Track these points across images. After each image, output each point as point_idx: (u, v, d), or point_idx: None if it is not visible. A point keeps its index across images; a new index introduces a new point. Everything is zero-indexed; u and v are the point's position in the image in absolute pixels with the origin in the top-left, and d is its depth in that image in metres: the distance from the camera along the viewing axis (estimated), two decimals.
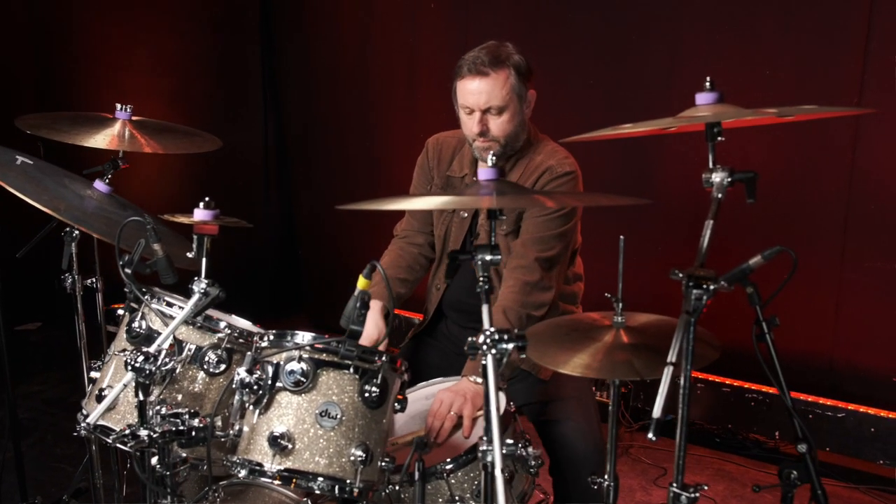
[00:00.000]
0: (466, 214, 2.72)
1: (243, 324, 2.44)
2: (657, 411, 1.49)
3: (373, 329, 2.56)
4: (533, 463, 2.26)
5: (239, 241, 6.26)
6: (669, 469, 3.99)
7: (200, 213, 1.95)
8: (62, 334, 5.23)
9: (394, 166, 5.40)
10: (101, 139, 2.63)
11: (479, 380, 2.41)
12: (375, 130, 5.64)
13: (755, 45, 4.05)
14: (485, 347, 1.56)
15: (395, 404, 2.06)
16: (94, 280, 2.79)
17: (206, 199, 1.97)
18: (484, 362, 1.57)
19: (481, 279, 1.66)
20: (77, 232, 2.52)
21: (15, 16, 5.63)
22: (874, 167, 3.84)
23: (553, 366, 1.92)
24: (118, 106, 2.78)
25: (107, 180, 2.51)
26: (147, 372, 1.81)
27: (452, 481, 2.15)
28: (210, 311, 2.41)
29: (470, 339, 1.60)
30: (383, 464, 1.99)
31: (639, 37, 4.40)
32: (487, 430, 1.56)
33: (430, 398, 2.43)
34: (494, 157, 1.76)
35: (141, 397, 1.84)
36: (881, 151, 3.80)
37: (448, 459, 2.15)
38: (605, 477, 2.17)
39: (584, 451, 2.51)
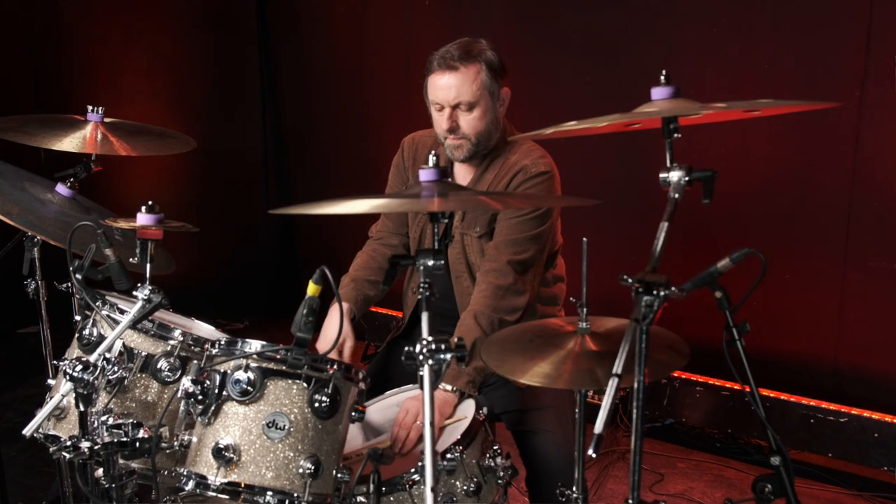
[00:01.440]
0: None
1: (206, 330, 2.37)
2: (599, 426, 1.40)
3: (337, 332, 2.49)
4: (502, 473, 2.19)
5: (239, 242, 6.29)
6: (667, 475, 3.89)
7: (143, 218, 1.89)
8: (61, 337, 5.22)
9: (389, 165, 5.32)
10: (72, 142, 2.58)
11: (449, 387, 2.34)
12: (371, 130, 5.59)
13: (752, 38, 3.94)
14: (421, 358, 1.49)
15: (353, 414, 2.00)
16: (68, 285, 2.74)
17: (150, 202, 1.91)
18: (420, 373, 1.49)
19: (423, 286, 1.58)
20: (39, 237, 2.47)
21: (11, 17, 5.62)
22: (878, 163, 3.72)
23: (511, 375, 1.84)
24: (89, 108, 2.73)
25: (69, 183, 2.46)
26: (85, 382, 1.74)
27: (416, 493, 2.08)
28: (171, 317, 2.36)
29: (406, 348, 1.52)
30: (340, 475, 1.92)
31: (633, 33, 4.30)
32: (426, 443, 1.48)
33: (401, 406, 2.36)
34: (436, 157, 1.67)
35: (81, 408, 1.77)
36: (885, 147, 3.68)
37: (413, 470, 2.07)
38: (574, 489, 2.08)
39: (560, 464, 2.43)
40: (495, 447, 2.22)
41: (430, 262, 1.58)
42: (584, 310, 1.95)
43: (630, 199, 4.09)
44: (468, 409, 2.32)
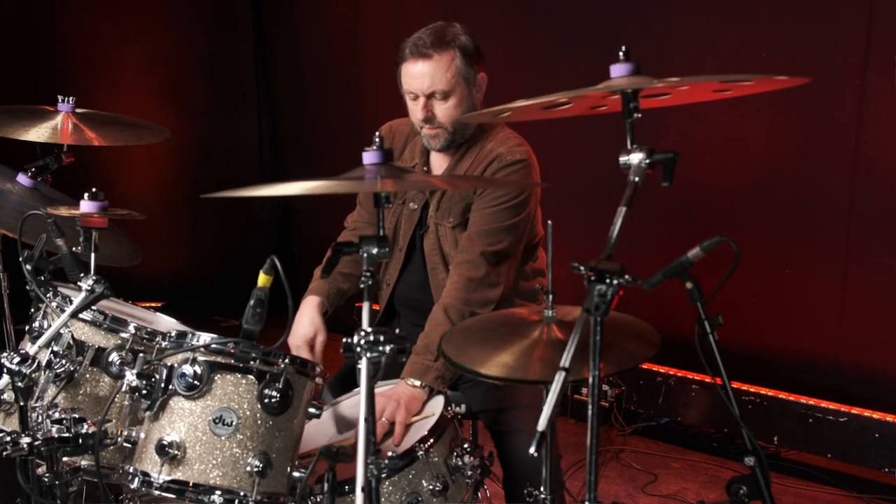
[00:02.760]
0: (416, 206, 2.56)
1: (166, 324, 2.30)
2: (542, 423, 1.31)
3: (308, 327, 2.42)
4: (470, 472, 2.11)
5: (236, 237, 6.24)
6: (661, 475, 3.78)
7: (86, 205, 1.82)
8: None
9: None
10: (41, 132, 2.51)
11: (418, 382, 2.26)
12: (366, 125, 5.50)
13: (750, 25, 3.83)
14: (359, 350, 1.40)
15: (312, 409, 1.92)
16: (45, 277, 2.68)
17: (93, 189, 1.84)
18: (359, 367, 1.41)
19: (365, 275, 1.49)
20: None
21: (8, 14, 5.60)
22: (880, 154, 3.59)
23: (471, 366, 1.75)
24: (59, 98, 2.66)
25: (30, 173, 2.39)
26: (23, 375, 1.68)
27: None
28: (131, 310, 2.29)
29: (344, 339, 1.44)
30: (297, 474, 1.85)
31: (630, 20, 4.20)
32: (360, 441, 1.40)
33: None
34: (380, 139, 1.59)
35: (21, 402, 1.71)
36: (887, 137, 3.56)
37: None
38: (542, 489, 1.99)
39: (537, 466, 2.34)
40: (465, 445, 2.14)
41: (375, 251, 1.50)
42: (550, 297, 1.86)
43: (617, 187, 3.98)
44: (437, 405, 2.23)
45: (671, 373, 4.11)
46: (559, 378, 1.35)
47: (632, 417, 4.24)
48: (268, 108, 6.36)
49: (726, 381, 1.79)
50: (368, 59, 5.51)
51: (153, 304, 5.49)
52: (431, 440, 2.06)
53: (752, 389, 3.85)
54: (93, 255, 1.85)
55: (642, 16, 4.18)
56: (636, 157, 1.52)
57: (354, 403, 2.44)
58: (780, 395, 3.78)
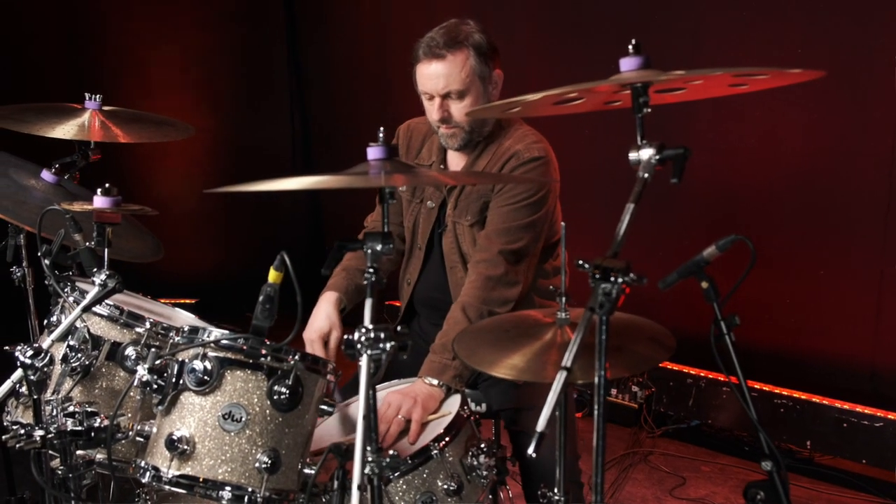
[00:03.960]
0: (433, 204, 2.55)
1: (185, 318, 2.32)
2: (541, 424, 1.28)
3: (323, 321, 2.42)
4: (486, 473, 2.08)
5: (267, 234, 6.28)
6: (689, 478, 3.72)
7: (99, 200, 1.83)
8: None
9: None
10: (69, 129, 2.55)
11: (435, 381, 2.24)
12: (395, 123, 5.51)
13: (785, 21, 3.74)
14: (359, 346, 1.39)
15: (324, 406, 1.92)
16: (71, 273, 2.72)
17: (107, 184, 1.85)
18: (361, 364, 1.40)
19: (368, 271, 1.48)
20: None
21: (48, 12, 5.71)
22: None
23: (480, 367, 1.74)
24: (87, 95, 2.70)
25: (54, 170, 2.42)
26: (36, 368, 1.69)
27: (392, 489, 1.98)
28: (150, 305, 2.32)
29: (346, 336, 1.43)
30: (308, 471, 1.85)
31: (660, 15, 4.14)
32: (357, 440, 1.39)
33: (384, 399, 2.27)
34: (384, 132, 1.57)
35: (34, 395, 1.73)
36: None
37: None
38: (556, 490, 1.96)
39: (554, 469, 2.30)
40: (481, 445, 2.11)
41: (379, 247, 1.49)
42: (563, 299, 1.83)
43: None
44: (453, 404, 2.22)
45: (702, 374, 4.04)
46: (560, 378, 1.32)
47: (661, 419, 4.18)
48: (299, 105, 6.40)
49: (742, 381, 1.73)
50: (398, 57, 5.51)
51: (186, 301, 5.58)
52: (446, 439, 2.04)
53: (784, 392, 3.77)
54: (106, 250, 1.86)
55: (672, 11, 4.12)
56: (646, 153, 1.48)
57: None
58: (814, 399, 3.69)
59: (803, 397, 3.72)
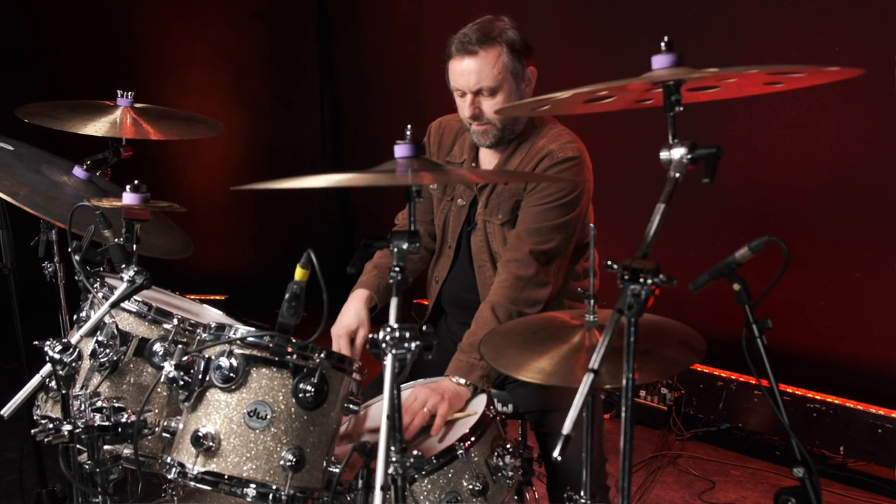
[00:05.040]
0: (464, 203, 2.54)
1: (213, 315, 2.32)
2: (567, 426, 1.26)
3: (352, 318, 2.42)
4: (511, 473, 2.07)
5: (298, 232, 6.31)
6: (719, 482, 3.67)
7: (128, 197, 1.84)
8: None
9: None
10: (101, 126, 2.57)
11: (463, 380, 2.23)
12: (427, 121, 5.51)
13: (822, 19, 3.67)
14: (384, 346, 1.38)
15: (349, 405, 1.91)
16: (101, 269, 2.75)
17: (135, 181, 1.86)
18: (386, 363, 1.39)
19: (394, 270, 1.47)
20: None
21: (82, 11, 5.78)
22: None
23: (506, 370, 1.72)
24: (119, 92, 2.72)
25: (85, 166, 2.44)
26: (64, 363, 1.70)
27: (416, 489, 1.97)
28: (179, 302, 2.32)
29: (371, 336, 1.42)
30: (333, 469, 1.84)
31: (694, 12, 4.08)
32: (381, 439, 1.37)
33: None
34: (412, 130, 1.56)
35: (63, 390, 1.74)
36: None
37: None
38: (582, 493, 1.94)
39: (580, 471, 2.28)
40: (507, 445, 2.10)
41: (405, 245, 1.47)
42: (592, 301, 1.81)
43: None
44: (479, 404, 2.20)
45: (732, 377, 3.99)
46: (587, 380, 1.30)
47: (691, 422, 4.13)
48: (330, 103, 6.42)
49: (774, 384, 1.69)
50: (430, 54, 5.49)
51: (216, 297, 5.62)
52: (472, 439, 2.02)
53: (817, 397, 3.70)
54: (135, 246, 1.87)
55: (707, 7, 4.07)
56: (677, 153, 1.45)
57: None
58: (848, 404, 3.62)
59: (836, 402, 3.65)
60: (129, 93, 2.71)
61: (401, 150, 1.52)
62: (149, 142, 2.67)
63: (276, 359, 1.76)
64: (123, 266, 1.83)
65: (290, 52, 6.22)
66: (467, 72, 2.33)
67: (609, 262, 1.37)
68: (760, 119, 3.97)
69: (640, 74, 1.51)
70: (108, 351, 1.91)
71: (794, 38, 3.79)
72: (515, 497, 2.14)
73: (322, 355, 1.78)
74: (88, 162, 2.47)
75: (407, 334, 1.38)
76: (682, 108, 1.46)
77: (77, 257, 1.97)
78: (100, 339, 1.92)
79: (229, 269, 5.95)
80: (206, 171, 5.95)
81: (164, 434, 1.84)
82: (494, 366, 1.73)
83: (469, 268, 2.55)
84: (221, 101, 5.87)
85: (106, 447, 1.84)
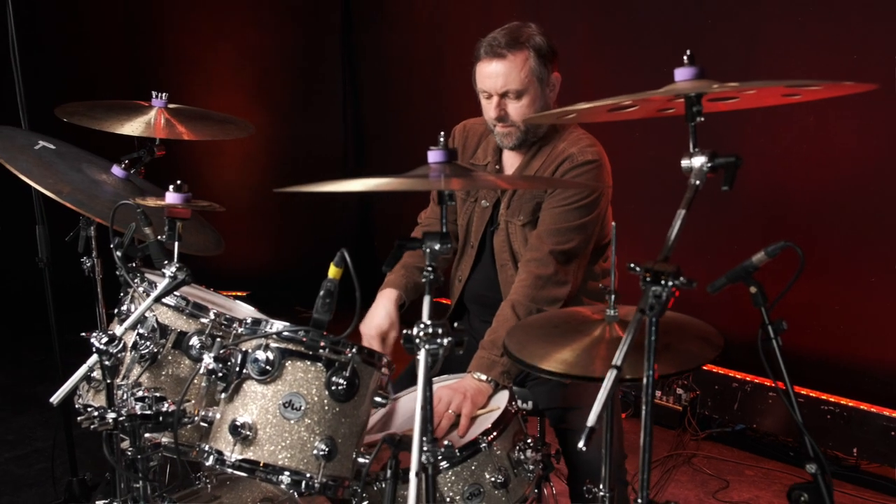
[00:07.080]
0: (487, 203, 2.61)
1: (245, 310, 2.41)
2: (592, 419, 1.34)
3: (383, 318, 2.49)
4: (532, 467, 2.14)
5: (318, 231, 6.40)
6: (733, 482, 3.73)
7: (171, 197, 1.93)
8: None
9: None
10: (136, 126, 2.65)
11: (484, 377, 2.30)
12: (449, 124, 5.58)
13: (840, 29, 3.72)
14: (417, 341, 1.46)
15: (378, 399, 1.99)
16: (135, 263, 2.83)
17: (178, 182, 1.94)
18: (420, 358, 1.47)
19: (427, 270, 1.54)
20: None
21: (109, 13, 5.89)
22: None
23: (530, 360, 1.79)
24: (154, 94, 2.80)
25: (123, 165, 2.53)
26: (110, 354, 1.79)
27: (440, 480, 2.05)
28: (212, 297, 2.41)
29: (405, 331, 1.50)
30: (362, 460, 1.92)
31: (716, 20, 4.14)
32: (416, 428, 1.45)
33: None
34: (444, 138, 1.64)
35: (108, 379, 1.82)
36: None
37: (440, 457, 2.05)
38: (601, 486, 2.01)
39: (600, 467, 2.35)
40: (528, 440, 2.17)
41: (438, 246, 1.55)
42: (612, 297, 1.88)
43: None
44: (501, 400, 2.27)
45: (747, 379, 4.04)
46: (611, 375, 1.37)
47: (706, 422, 4.18)
48: (353, 104, 6.49)
49: (789, 385, 1.76)
50: (452, 58, 5.57)
51: (238, 294, 5.71)
52: (494, 433, 2.09)
53: (831, 399, 3.75)
54: (176, 243, 1.96)
55: (727, 17, 4.11)
56: (698, 161, 1.52)
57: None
58: (861, 406, 3.67)
59: (851, 404, 3.70)
60: (164, 94, 2.79)
61: (434, 155, 1.59)
62: (174, 141, 2.75)
63: (311, 353, 1.84)
64: (165, 262, 1.91)
65: (313, 54, 6.31)
66: (495, 74, 2.41)
67: (632, 265, 1.44)
68: (777, 124, 4.02)
69: (659, 81, 1.58)
70: (148, 343, 2.00)
71: (813, 46, 3.83)
72: (535, 491, 2.22)
73: (353, 350, 1.86)
74: (126, 161, 2.56)
75: (440, 330, 1.46)
76: (703, 119, 1.53)
77: (119, 253, 2.06)
78: (141, 331, 2.00)
79: (251, 266, 6.05)
80: (229, 170, 6.06)
81: (202, 423, 1.93)
82: (519, 357, 1.79)
83: (492, 267, 2.62)
84: (245, 102, 5.96)
85: (146, 435, 1.93)
